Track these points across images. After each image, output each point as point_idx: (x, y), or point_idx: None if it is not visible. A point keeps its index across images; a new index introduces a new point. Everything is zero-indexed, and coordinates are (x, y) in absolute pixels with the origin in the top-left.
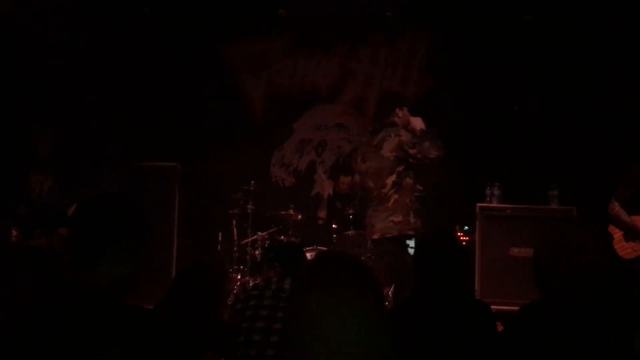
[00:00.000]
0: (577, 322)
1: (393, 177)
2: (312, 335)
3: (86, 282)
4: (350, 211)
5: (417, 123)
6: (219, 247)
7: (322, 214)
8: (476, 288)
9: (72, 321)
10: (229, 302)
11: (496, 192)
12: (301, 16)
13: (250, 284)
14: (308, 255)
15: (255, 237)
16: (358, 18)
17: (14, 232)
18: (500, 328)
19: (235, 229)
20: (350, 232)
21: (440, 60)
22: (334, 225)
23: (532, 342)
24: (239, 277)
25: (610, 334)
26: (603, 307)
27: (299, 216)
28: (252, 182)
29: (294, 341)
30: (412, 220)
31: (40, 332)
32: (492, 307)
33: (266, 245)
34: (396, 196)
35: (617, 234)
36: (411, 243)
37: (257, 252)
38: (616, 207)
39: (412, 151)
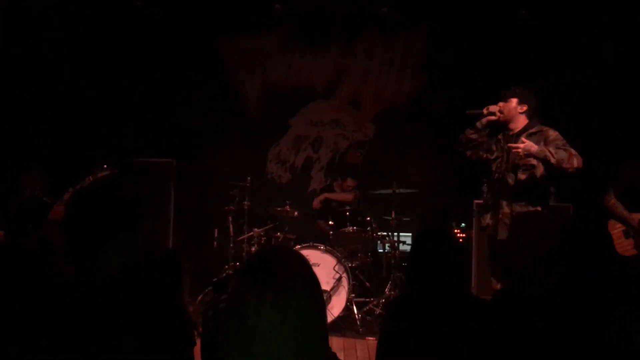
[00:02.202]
0: (556, 316)
1: None
2: (245, 335)
3: (91, 276)
4: (347, 208)
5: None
6: (215, 243)
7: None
8: (472, 284)
9: (82, 315)
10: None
11: None
12: (297, 12)
13: None
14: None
15: (252, 233)
16: (354, 14)
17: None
18: None
19: (231, 225)
20: (347, 229)
21: (436, 56)
22: (330, 222)
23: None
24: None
25: (595, 328)
26: (582, 301)
27: (295, 212)
28: (248, 178)
29: (228, 340)
30: None
31: (52, 329)
32: None
33: (262, 241)
34: None
35: (617, 230)
36: (408, 239)
37: (253, 249)
38: (612, 200)
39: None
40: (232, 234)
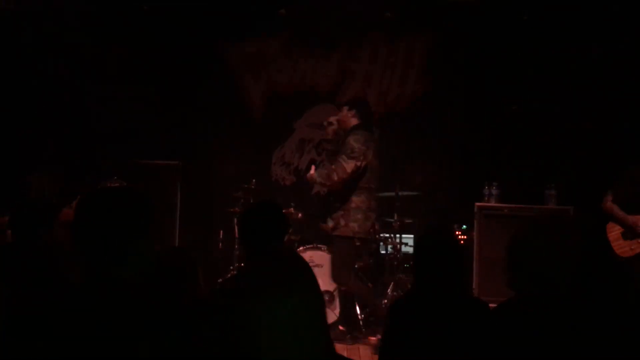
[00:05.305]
0: (561, 318)
1: None
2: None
3: (113, 279)
4: None
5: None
6: (220, 245)
7: None
8: (474, 286)
9: (103, 319)
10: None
11: (494, 191)
12: (301, 16)
13: None
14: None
15: None
16: (357, 18)
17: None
18: None
19: (236, 227)
20: None
21: (439, 60)
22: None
23: (521, 340)
24: None
25: (596, 329)
26: (585, 303)
27: (300, 214)
28: (253, 180)
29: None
30: None
31: (71, 333)
32: (490, 305)
33: None
34: None
35: (615, 232)
36: (410, 241)
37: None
38: (608, 202)
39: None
40: (237, 235)
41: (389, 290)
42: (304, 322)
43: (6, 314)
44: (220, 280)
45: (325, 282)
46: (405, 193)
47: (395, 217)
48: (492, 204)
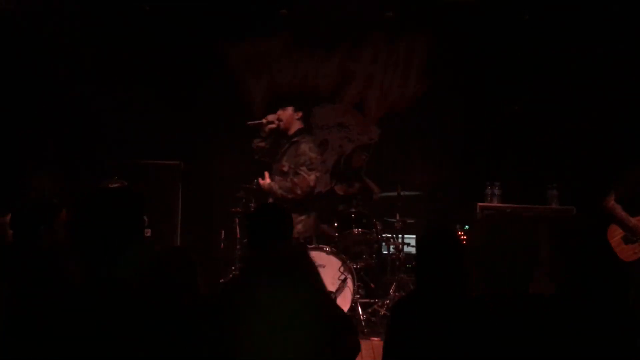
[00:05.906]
0: (561, 318)
1: None
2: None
3: (112, 279)
4: (352, 210)
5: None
6: (222, 245)
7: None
8: None
9: (103, 320)
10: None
11: (497, 191)
12: (302, 16)
13: None
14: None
15: None
16: (358, 18)
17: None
18: None
19: (237, 227)
20: (352, 231)
21: (440, 59)
22: (335, 224)
23: (521, 341)
24: None
25: (595, 329)
26: (585, 303)
27: None
28: (255, 180)
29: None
30: None
31: (77, 330)
32: None
33: None
34: None
35: (617, 237)
36: (412, 241)
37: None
38: (611, 201)
39: None
40: (238, 235)
41: (391, 290)
42: (305, 322)
43: (6, 314)
44: (221, 280)
45: (327, 283)
46: (406, 193)
47: (397, 217)
48: (495, 204)
